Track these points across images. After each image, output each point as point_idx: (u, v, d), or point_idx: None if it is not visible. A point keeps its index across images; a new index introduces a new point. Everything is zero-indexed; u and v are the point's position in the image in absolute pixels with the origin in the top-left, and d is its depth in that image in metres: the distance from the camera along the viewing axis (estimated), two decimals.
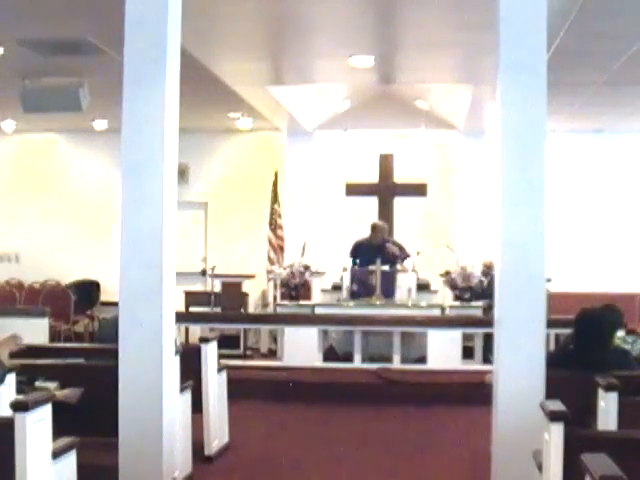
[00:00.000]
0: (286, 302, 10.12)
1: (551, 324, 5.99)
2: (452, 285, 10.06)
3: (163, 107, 4.91)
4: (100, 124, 11.95)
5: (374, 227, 10.64)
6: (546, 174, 4.88)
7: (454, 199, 12.66)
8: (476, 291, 9.92)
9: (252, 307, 12.20)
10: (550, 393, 4.56)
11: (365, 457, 6.49)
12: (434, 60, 8.61)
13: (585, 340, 5.11)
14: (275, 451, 6.62)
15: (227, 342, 9.29)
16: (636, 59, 7.62)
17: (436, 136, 12.64)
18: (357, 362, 9.35)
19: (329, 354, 9.63)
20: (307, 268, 10.20)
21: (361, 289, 10.21)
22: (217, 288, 11.37)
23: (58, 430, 3.85)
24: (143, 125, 4.92)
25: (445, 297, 10.91)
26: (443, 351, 9.08)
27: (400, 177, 11.90)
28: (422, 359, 9.29)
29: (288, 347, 9.36)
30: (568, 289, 11.15)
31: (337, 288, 10.83)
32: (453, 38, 7.47)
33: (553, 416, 3.81)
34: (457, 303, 9.98)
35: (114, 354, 4.90)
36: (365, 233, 10.70)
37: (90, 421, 4.64)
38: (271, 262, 12.32)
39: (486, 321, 7.89)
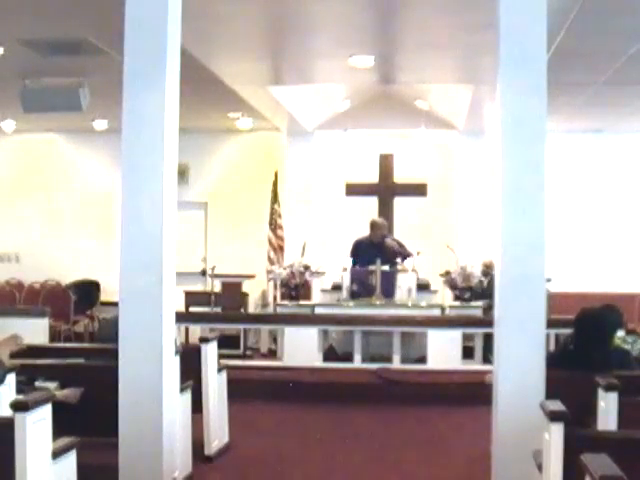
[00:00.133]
0: (286, 302, 10.12)
1: (551, 324, 6.00)
2: (452, 285, 10.07)
3: (163, 107, 4.91)
4: (100, 124, 11.95)
5: (373, 224, 10.65)
6: (546, 174, 4.88)
7: (454, 199, 12.65)
8: (476, 291, 9.92)
9: (252, 307, 12.20)
10: (550, 393, 4.56)
11: (365, 457, 6.49)
12: (434, 60, 8.61)
13: (585, 340, 5.11)
14: (275, 451, 6.62)
15: (227, 342, 9.29)
16: (636, 59, 7.61)
17: (436, 136, 12.64)
18: (357, 362, 9.35)
19: (329, 354, 9.63)
20: (307, 268, 10.20)
21: (361, 289, 10.21)
22: (217, 288, 11.37)
23: (58, 430, 3.85)
24: (143, 125, 4.93)
25: (445, 297, 10.91)
26: (443, 351, 9.08)
27: (400, 177, 11.91)
28: (422, 359, 9.29)
29: (288, 347, 9.36)
30: (568, 289, 11.15)
31: (337, 288, 10.83)
32: (453, 38, 7.46)
33: (553, 416, 3.82)
34: (457, 303, 9.98)
35: (114, 354, 4.90)
36: (365, 233, 10.71)
37: (90, 421, 4.64)
38: (271, 262, 12.31)
39: (486, 321, 7.89)
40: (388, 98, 11.61)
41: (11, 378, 4.47)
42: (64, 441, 3.90)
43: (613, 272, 12.26)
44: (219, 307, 10.95)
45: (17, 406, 3.59)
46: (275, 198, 12.71)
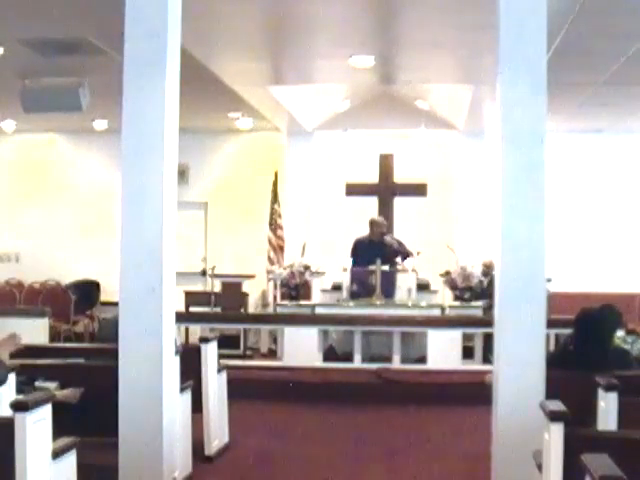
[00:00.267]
0: (286, 302, 10.12)
1: (551, 324, 5.99)
2: (452, 285, 10.07)
3: (163, 107, 4.91)
4: (100, 124, 11.95)
5: (372, 223, 10.66)
6: (546, 174, 4.88)
7: (454, 199, 12.66)
8: (476, 291, 9.92)
9: (252, 307, 12.19)
10: (550, 393, 4.56)
11: (365, 457, 6.50)
12: (434, 60, 8.61)
13: (585, 340, 5.12)
14: (275, 451, 6.61)
15: (227, 342, 9.30)
16: (636, 59, 7.61)
17: (436, 136, 12.64)
18: (357, 362, 9.35)
19: (329, 354, 9.63)
20: (307, 268, 10.21)
21: (361, 289, 10.22)
22: (217, 288, 11.37)
23: (58, 430, 3.84)
24: (143, 125, 4.92)
25: (445, 297, 10.91)
26: (443, 351, 9.08)
27: (400, 177, 11.90)
28: (422, 359, 9.29)
29: (288, 347, 9.36)
30: (568, 289, 11.15)
31: (337, 288, 10.84)
32: (453, 38, 7.47)
33: (553, 416, 3.81)
34: (457, 303, 9.99)
35: (114, 354, 4.90)
36: (365, 232, 10.71)
37: (90, 421, 4.64)
38: (271, 262, 12.31)
39: (486, 321, 7.88)
40: (388, 98, 11.61)
41: (11, 378, 4.46)
42: (64, 441, 3.90)
43: (613, 272, 12.26)
44: (219, 307, 10.95)
45: (17, 406, 3.58)
46: (275, 198, 12.71)
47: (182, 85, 5.12)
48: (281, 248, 12.57)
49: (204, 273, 12.04)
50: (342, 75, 9.39)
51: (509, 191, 4.90)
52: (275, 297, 11.44)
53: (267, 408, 7.97)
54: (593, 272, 12.29)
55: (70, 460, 3.93)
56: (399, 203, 11.94)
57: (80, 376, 5.07)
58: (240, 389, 7.07)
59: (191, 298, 11.22)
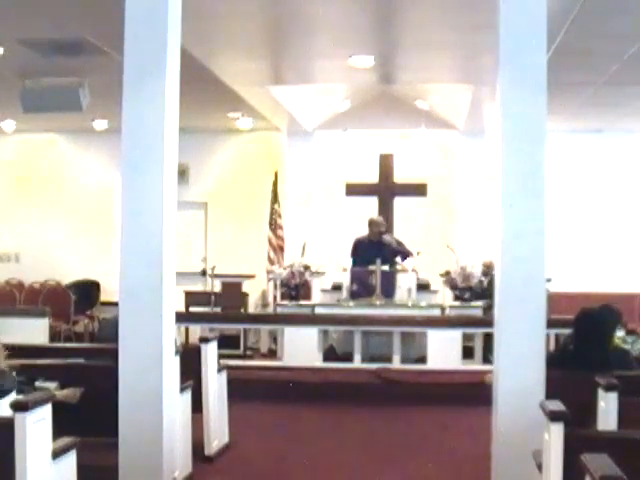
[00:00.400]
0: (286, 302, 10.11)
1: (551, 324, 6.00)
2: (452, 285, 10.07)
3: (163, 107, 4.91)
4: (100, 124, 11.95)
5: (371, 222, 10.67)
6: (546, 174, 4.88)
7: (454, 199, 12.66)
8: (476, 291, 9.92)
9: (252, 307, 12.19)
10: (550, 393, 4.56)
11: (365, 457, 6.50)
12: (434, 60, 8.61)
13: (584, 340, 5.11)
14: (275, 451, 6.61)
15: (227, 342, 9.30)
16: (636, 59, 7.61)
17: (436, 136, 12.64)
18: (357, 362, 9.35)
19: (329, 354, 9.63)
20: (307, 268, 10.21)
21: (361, 289, 10.21)
22: (217, 288, 11.37)
23: (58, 430, 3.84)
24: (143, 125, 4.92)
25: (445, 297, 10.91)
26: (443, 351, 9.08)
27: (400, 177, 11.90)
28: (422, 359, 9.29)
29: (288, 347, 9.36)
30: (568, 289, 11.15)
31: (337, 288, 10.84)
32: (453, 38, 7.46)
33: (553, 416, 3.81)
34: (457, 303, 9.98)
35: (114, 354, 4.90)
36: (365, 232, 10.71)
37: (90, 421, 4.64)
38: (271, 262, 12.31)
39: (486, 321, 7.89)
40: (388, 98, 11.61)
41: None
42: (64, 441, 3.90)
43: (613, 272, 12.26)
44: (219, 307, 10.95)
45: (17, 406, 3.59)
46: (275, 198, 12.71)
47: (182, 85, 5.12)
48: (281, 248, 12.57)
49: (204, 273, 12.04)
50: (342, 75, 9.39)
51: (509, 191, 4.90)
52: (275, 297, 11.44)
53: (267, 408, 7.97)
54: (593, 272, 12.29)
55: (70, 460, 3.93)
56: (399, 203, 11.94)
57: (80, 376, 5.06)
58: (240, 389, 7.07)
59: (191, 298, 11.22)
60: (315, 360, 9.29)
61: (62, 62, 8.04)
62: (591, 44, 7.25)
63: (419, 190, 11.75)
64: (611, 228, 12.46)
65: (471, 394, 7.16)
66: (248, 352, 10.79)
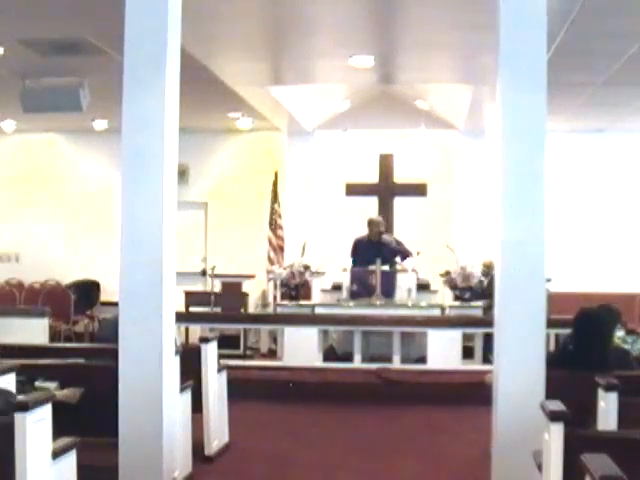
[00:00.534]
0: (286, 302, 10.11)
1: (551, 324, 5.99)
2: (452, 285, 10.07)
3: (163, 107, 4.91)
4: (100, 124, 11.95)
5: (370, 222, 10.66)
6: (546, 174, 4.88)
7: (454, 199, 12.65)
8: (476, 291, 9.91)
9: (252, 307, 12.19)
10: (550, 393, 4.56)
11: (365, 457, 6.49)
12: (434, 60, 8.61)
13: (584, 340, 5.11)
14: (275, 451, 6.61)
15: (227, 342, 9.29)
16: (636, 59, 7.61)
17: (436, 136, 12.64)
18: (357, 362, 9.35)
19: (329, 354, 9.63)
20: (307, 268, 10.21)
21: (361, 289, 10.21)
22: (217, 288, 11.37)
23: (58, 430, 3.84)
24: (143, 125, 4.92)
25: (445, 297, 10.90)
26: (443, 351, 9.08)
27: (400, 177, 11.90)
28: (422, 359, 9.29)
29: (288, 347, 9.36)
30: (568, 289, 11.15)
31: (337, 288, 10.83)
32: (453, 38, 7.46)
33: (553, 416, 3.81)
34: (457, 303, 9.98)
35: (114, 354, 4.90)
36: (365, 232, 10.71)
37: (90, 421, 4.64)
38: (271, 262, 12.31)
39: (486, 321, 7.89)
40: (388, 98, 11.61)
41: (11, 378, 4.46)
42: (64, 441, 3.89)
43: (613, 272, 12.26)
44: (219, 307, 10.95)
45: (17, 406, 3.58)
46: (275, 198, 12.71)
47: (182, 85, 5.12)
48: (281, 248, 12.57)
49: (204, 273, 12.04)
50: (342, 75, 9.39)
51: (509, 191, 4.90)
52: (275, 297, 11.43)
53: (267, 408, 7.97)
54: (593, 272, 12.29)
55: (70, 460, 3.93)
56: (399, 203, 11.95)
57: (80, 376, 5.07)
58: (240, 389, 7.07)
59: (191, 298, 11.21)
60: (315, 360, 9.29)
61: (62, 62, 8.04)
62: (591, 44, 7.25)
63: (419, 190, 11.75)
64: (611, 228, 12.46)
65: (471, 394, 7.17)
66: (248, 352, 10.79)
